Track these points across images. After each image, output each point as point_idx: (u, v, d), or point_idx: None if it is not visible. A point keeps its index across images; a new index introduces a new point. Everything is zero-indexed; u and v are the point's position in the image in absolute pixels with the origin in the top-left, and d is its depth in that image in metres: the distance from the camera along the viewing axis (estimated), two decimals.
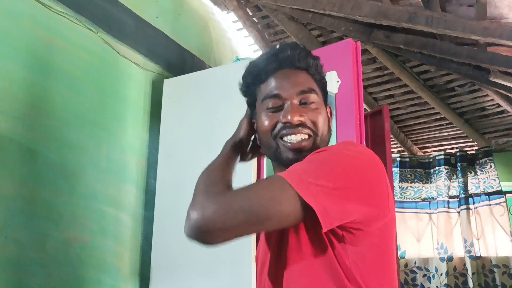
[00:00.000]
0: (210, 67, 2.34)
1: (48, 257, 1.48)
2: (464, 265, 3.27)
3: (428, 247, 3.43)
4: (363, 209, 0.70)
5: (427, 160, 3.61)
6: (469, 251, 3.26)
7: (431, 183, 3.56)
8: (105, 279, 1.69)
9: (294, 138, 0.79)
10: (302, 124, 0.79)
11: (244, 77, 0.87)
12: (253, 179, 1.64)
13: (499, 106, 3.11)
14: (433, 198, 3.51)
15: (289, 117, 0.78)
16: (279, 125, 0.80)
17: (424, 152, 3.85)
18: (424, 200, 3.53)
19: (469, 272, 3.21)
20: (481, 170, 3.35)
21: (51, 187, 1.53)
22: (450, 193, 3.43)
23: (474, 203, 3.33)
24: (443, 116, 3.27)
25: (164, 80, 1.99)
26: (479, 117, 3.29)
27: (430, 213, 3.48)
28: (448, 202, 3.42)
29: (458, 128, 3.40)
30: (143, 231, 1.89)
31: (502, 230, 3.19)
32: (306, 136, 0.79)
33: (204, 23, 2.51)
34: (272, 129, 0.80)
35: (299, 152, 0.78)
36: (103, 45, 1.80)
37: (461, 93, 3.05)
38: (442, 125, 3.45)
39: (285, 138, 0.79)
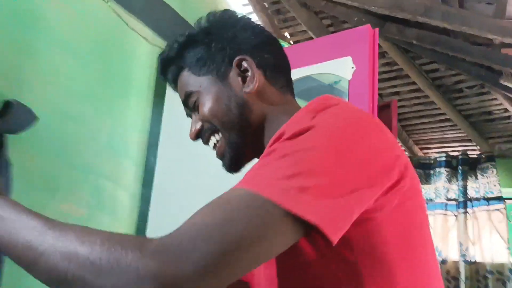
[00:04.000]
0: None
1: None
2: (458, 269, 3.25)
3: None
4: (371, 192, 0.51)
5: (427, 161, 3.58)
6: (464, 256, 3.24)
7: (430, 184, 3.53)
8: None
9: (211, 148, 0.71)
10: (201, 132, 0.70)
11: None
12: None
13: (507, 111, 3.08)
14: (431, 199, 3.48)
15: (189, 136, 0.72)
16: None
17: (424, 153, 3.82)
18: None
19: (462, 277, 3.19)
20: (482, 175, 3.33)
21: (50, 158, 1.47)
22: (449, 196, 3.41)
23: (472, 207, 3.31)
24: (448, 117, 3.23)
25: None
26: (484, 121, 3.26)
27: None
28: (446, 204, 3.40)
29: (462, 130, 3.36)
30: (139, 209, 1.84)
31: (499, 237, 3.17)
32: (216, 138, 0.69)
33: (213, 4, 2.44)
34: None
35: (223, 158, 0.70)
36: (112, 15, 1.74)
37: (469, 94, 3.01)
38: (445, 126, 3.42)
39: None
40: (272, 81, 0.69)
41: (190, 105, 0.70)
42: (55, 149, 1.49)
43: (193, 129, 0.70)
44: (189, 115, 0.73)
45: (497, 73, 2.61)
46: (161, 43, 1.99)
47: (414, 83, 2.96)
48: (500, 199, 3.24)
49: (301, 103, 0.68)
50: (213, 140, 0.70)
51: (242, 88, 0.67)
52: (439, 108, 3.15)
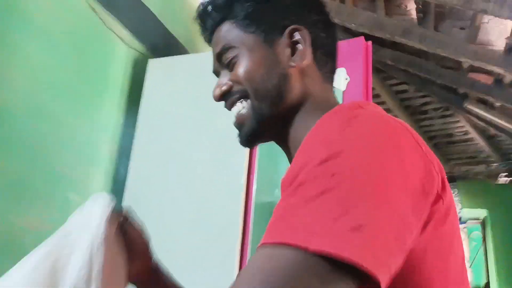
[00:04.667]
0: None
1: (0, 243, 1.24)
2: None
3: None
4: (418, 220, 0.45)
5: None
6: None
7: None
8: None
9: (233, 114, 0.62)
10: (227, 94, 0.61)
11: None
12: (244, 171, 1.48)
13: (467, 133, 3.20)
14: None
15: (212, 95, 0.63)
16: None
17: None
18: None
19: None
20: None
21: (20, 159, 1.30)
22: None
23: None
24: None
25: (149, 59, 1.81)
26: (446, 143, 3.37)
27: None
28: None
29: None
30: None
31: None
32: (242, 105, 0.60)
33: (192, 9, 2.35)
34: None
35: (241, 128, 0.62)
36: (89, 11, 1.60)
37: (433, 116, 3.10)
38: None
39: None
40: (320, 64, 0.62)
41: (224, 61, 0.62)
42: (25, 149, 1.32)
43: (219, 89, 0.62)
44: (216, 72, 0.65)
45: (462, 96, 2.71)
46: (137, 46, 1.86)
47: (383, 103, 3.00)
48: (460, 220, 3.33)
49: None
50: (238, 106, 0.61)
51: (288, 60, 0.59)
52: None
